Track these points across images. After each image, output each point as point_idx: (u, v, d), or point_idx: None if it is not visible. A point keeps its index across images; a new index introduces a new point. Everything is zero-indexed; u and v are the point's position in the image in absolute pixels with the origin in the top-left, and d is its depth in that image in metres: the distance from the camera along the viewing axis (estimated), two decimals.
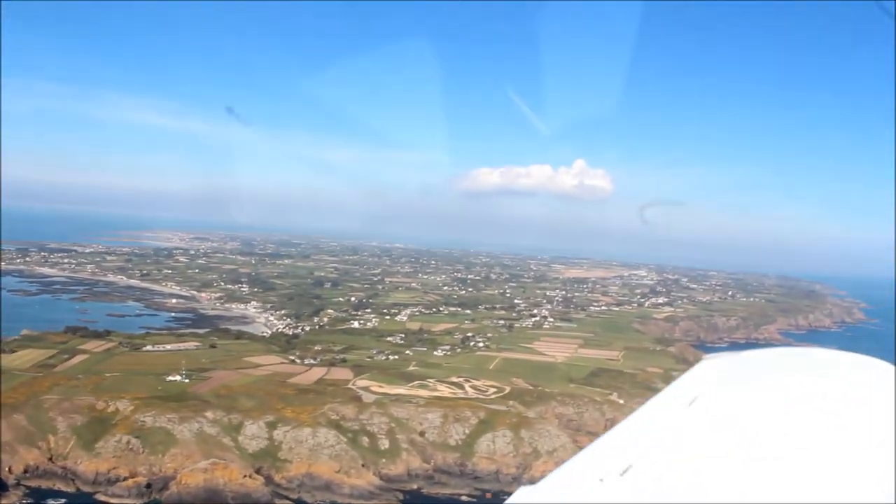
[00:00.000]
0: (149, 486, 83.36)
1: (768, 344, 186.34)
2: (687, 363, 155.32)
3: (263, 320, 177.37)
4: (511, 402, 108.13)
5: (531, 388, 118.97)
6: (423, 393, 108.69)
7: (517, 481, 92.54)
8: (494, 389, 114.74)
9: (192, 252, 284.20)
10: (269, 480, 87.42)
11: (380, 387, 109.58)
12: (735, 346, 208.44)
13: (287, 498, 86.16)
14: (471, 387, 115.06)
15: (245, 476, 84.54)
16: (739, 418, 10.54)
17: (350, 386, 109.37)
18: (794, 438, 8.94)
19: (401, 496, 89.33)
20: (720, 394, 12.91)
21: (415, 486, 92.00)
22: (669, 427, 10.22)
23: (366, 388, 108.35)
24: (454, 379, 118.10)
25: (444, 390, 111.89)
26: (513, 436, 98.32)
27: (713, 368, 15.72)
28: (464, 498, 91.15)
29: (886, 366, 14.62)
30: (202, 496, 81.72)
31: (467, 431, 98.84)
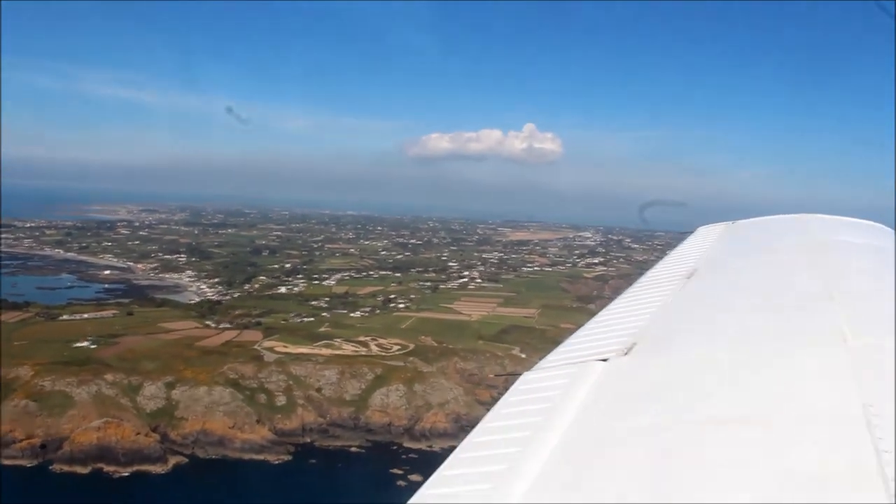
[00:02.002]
0: (43, 446, 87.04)
1: None
2: None
3: (195, 289, 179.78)
4: (410, 359, 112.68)
5: (436, 345, 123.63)
6: (327, 352, 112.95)
7: (408, 432, 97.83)
8: (399, 347, 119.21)
9: (137, 224, 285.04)
10: (164, 438, 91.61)
11: (284, 347, 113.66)
12: None
13: (181, 454, 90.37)
14: (376, 345, 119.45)
15: (138, 434, 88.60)
16: (741, 287, 10.55)
17: (255, 347, 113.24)
18: (798, 305, 8.68)
19: (292, 449, 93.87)
20: (718, 265, 13.04)
21: (307, 440, 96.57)
22: (669, 301, 10.12)
23: (270, 349, 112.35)
24: (361, 338, 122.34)
25: (349, 349, 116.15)
26: (406, 390, 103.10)
27: (707, 239, 16.57)
28: (353, 449, 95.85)
29: (883, 228, 16.34)
30: (94, 454, 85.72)
31: (363, 387, 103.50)
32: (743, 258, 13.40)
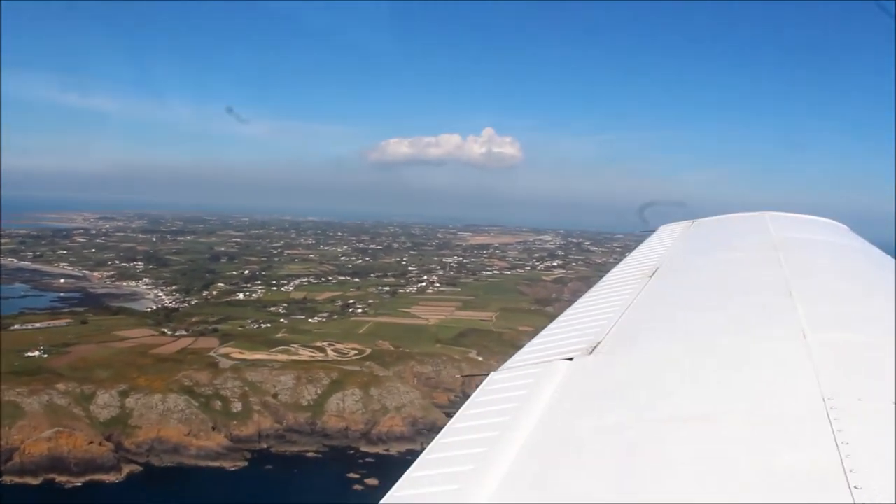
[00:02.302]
0: None
1: None
2: None
3: (153, 296, 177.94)
4: (367, 363, 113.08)
5: (393, 349, 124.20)
6: (283, 357, 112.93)
7: (364, 437, 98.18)
8: (356, 352, 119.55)
9: (94, 232, 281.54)
10: (118, 446, 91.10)
11: (240, 353, 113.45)
12: None
13: (135, 462, 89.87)
14: (333, 350, 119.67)
15: (90, 443, 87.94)
16: (702, 285, 10.77)
17: (211, 354, 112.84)
18: (757, 302, 8.84)
19: (248, 455, 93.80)
20: (680, 263, 13.18)
21: (264, 446, 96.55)
22: (632, 300, 10.21)
23: (226, 356, 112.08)
24: (318, 343, 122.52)
25: (305, 354, 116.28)
26: (362, 394, 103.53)
27: (669, 237, 16.77)
28: (310, 454, 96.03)
29: (840, 225, 16.65)
30: (45, 464, 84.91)
31: (319, 392, 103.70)
32: (704, 256, 13.55)
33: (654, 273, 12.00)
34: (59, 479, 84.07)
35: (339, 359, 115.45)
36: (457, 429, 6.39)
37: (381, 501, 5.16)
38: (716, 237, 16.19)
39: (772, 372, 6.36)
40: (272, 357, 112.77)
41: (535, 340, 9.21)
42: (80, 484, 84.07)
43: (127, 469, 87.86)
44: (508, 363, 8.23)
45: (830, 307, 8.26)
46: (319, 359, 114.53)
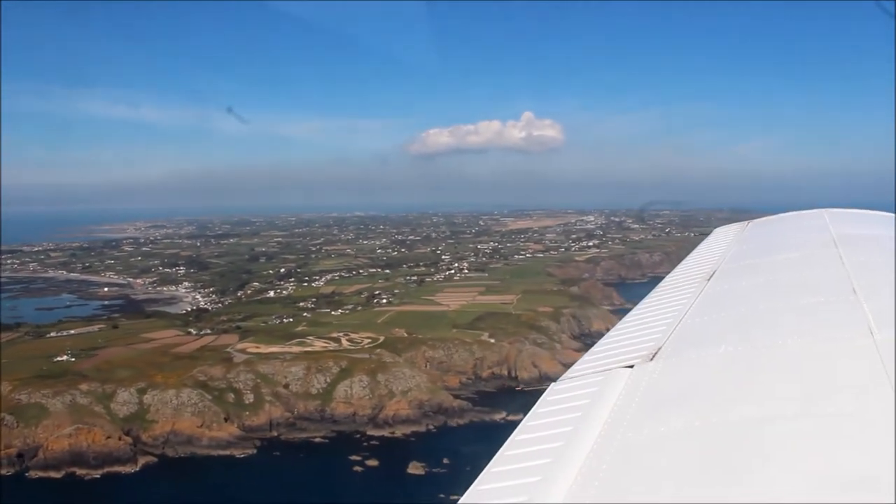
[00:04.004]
0: (20, 455, 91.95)
1: None
2: (588, 301, 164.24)
3: (190, 299, 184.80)
4: (377, 351, 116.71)
5: (406, 336, 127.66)
6: (297, 349, 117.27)
7: (371, 421, 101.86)
8: (369, 340, 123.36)
9: (142, 240, 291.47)
10: (136, 440, 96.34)
11: (256, 347, 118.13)
12: (656, 280, 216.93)
13: (151, 454, 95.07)
14: (347, 340, 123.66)
15: (108, 437, 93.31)
16: (761, 286, 10.46)
17: (227, 350, 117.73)
18: (820, 301, 8.69)
19: (258, 443, 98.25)
20: (737, 265, 12.90)
21: (274, 434, 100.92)
22: (691, 304, 10.14)
23: (242, 350, 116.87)
24: (334, 334, 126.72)
25: (319, 345, 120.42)
26: (370, 380, 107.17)
27: (724, 240, 16.64)
28: (317, 440, 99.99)
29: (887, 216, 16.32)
30: (66, 459, 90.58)
31: (328, 380, 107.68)
32: (761, 257, 13.25)
33: (711, 276, 11.90)
34: (80, 472, 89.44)
35: (351, 348, 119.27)
36: (520, 440, 6.39)
37: None
38: (772, 237, 16.09)
39: (841, 371, 6.26)
40: (286, 350, 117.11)
41: (595, 348, 9.22)
42: (98, 476, 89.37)
43: (143, 461, 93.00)
44: (568, 373, 8.27)
45: None
46: (332, 349, 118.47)
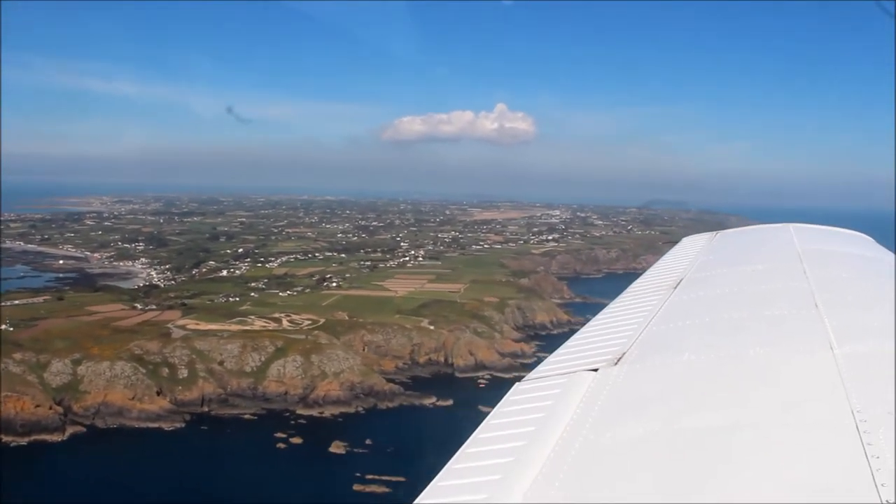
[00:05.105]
0: None
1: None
2: (536, 293, 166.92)
3: (145, 275, 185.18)
4: (315, 332, 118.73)
5: (347, 319, 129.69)
6: (235, 328, 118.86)
7: (302, 400, 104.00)
8: (309, 322, 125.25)
9: (106, 215, 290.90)
10: (68, 410, 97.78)
11: (196, 324, 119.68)
12: (611, 277, 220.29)
13: (80, 424, 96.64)
14: (288, 321, 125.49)
15: (37, 406, 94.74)
16: (726, 296, 10.56)
17: (168, 325, 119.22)
18: (784, 314, 8.81)
19: (188, 417, 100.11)
20: (704, 275, 12.97)
21: (206, 409, 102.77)
22: (656, 311, 10.24)
23: (182, 327, 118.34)
24: (276, 315, 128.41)
25: (259, 325, 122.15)
26: (303, 360, 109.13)
27: (692, 249, 16.78)
28: (246, 417, 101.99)
29: (866, 238, 16.45)
30: None
31: (263, 359, 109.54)
32: (728, 267, 13.42)
33: (677, 284, 12.07)
34: (6, 439, 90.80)
35: (290, 328, 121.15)
36: (482, 439, 6.46)
37: None
38: (739, 249, 16.37)
39: (800, 384, 6.38)
40: (225, 327, 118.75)
41: (560, 350, 9.28)
42: (24, 443, 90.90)
43: (71, 430, 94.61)
44: (532, 374, 8.31)
45: (857, 319, 8.24)
46: (271, 329, 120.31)
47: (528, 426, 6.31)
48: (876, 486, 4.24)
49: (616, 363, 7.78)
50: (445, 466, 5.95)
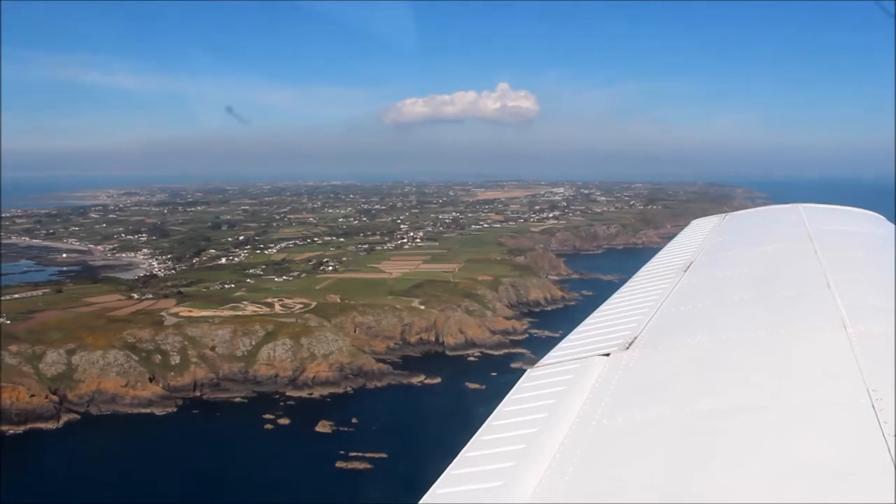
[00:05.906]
0: None
1: (646, 247, 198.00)
2: (531, 270, 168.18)
3: (146, 265, 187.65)
4: (306, 315, 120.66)
5: (339, 301, 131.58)
6: (227, 313, 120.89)
7: (292, 382, 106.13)
8: (301, 306, 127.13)
9: (111, 207, 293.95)
10: (62, 399, 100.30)
11: (189, 312, 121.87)
12: (610, 252, 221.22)
13: (75, 411, 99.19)
14: (280, 305, 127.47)
15: (32, 396, 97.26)
16: (737, 278, 10.49)
17: (161, 313, 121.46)
18: (796, 294, 8.73)
19: (179, 402, 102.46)
20: (714, 257, 12.92)
21: (198, 394, 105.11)
22: (667, 294, 10.19)
23: (175, 314, 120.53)
24: (269, 300, 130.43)
25: (251, 310, 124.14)
26: (293, 343, 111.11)
27: (702, 231, 16.79)
28: (237, 400, 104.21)
29: (877, 216, 16.44)
30: None
31: (253, 343, 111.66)
32: (739, 249, 13.39)
33: (688, 267, 12.06)
34: (2, 428, 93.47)
35: (281, 312, 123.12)
36: (495, 426, 6.48)
37: (422, 500, 5.25)
38: (749, 230, 16.31)
39: (814, 363, 6.37)
40: (218, 314, 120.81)
41: (571, 336, 9.31)
42: (21, 432, 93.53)
43: (66, 418, 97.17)
44: (545, 359, 8.34)
45: (870, 297, 8.22)
46: (262, 313, 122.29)
47: (540, 412, 6.37)
48: (894, 464, 4.26)
49: (628, 347, 7.82)
50: (459, 454, 6.01)
